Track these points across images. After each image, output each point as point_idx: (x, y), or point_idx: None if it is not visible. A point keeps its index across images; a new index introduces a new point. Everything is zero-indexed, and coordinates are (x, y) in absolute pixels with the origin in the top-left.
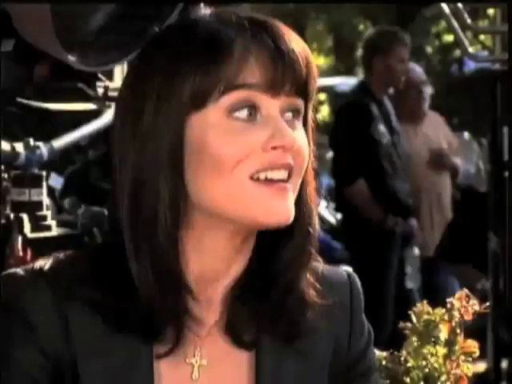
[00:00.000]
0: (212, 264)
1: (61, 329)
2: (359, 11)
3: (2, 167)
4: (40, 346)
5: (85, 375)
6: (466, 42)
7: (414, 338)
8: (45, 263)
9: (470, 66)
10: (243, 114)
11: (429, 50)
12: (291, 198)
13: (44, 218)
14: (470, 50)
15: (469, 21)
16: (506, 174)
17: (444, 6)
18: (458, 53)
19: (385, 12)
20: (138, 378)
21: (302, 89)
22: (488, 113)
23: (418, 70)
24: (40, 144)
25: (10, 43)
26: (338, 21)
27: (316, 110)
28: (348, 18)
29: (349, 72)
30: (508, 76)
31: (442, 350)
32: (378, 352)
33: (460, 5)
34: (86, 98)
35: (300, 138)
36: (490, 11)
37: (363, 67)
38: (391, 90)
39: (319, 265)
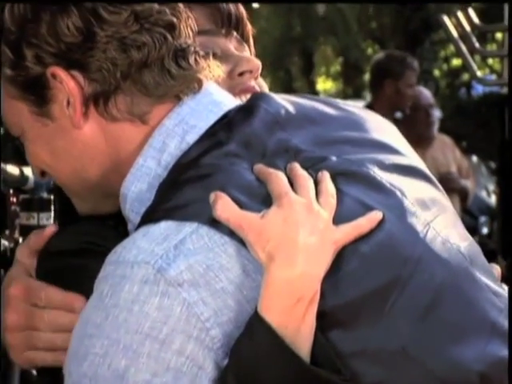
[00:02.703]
0: None
1: None
2: (367, 35)
3: (11, 191)
4: None
5: None
6: (475, 66)
7: None
8: None
9: (479, 89)
10: None
11: (437, 73)
12: None
13: None
14: (479, 73)
15: (477, 45)
16: None
17: (452, 29)
18: (466, 76)
19: (393, 36)
20: None
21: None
22: (496, 136)
23: (425, 93)
24: None
25: None
26: (346, 45)
27: None
28: (356, 41)
29: (357, 96)
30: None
31: None
32: None
33: (468, 29)
34: None
35: None
36: (498, 35)
37: (371, 90)
38: (399, 114)
39: None
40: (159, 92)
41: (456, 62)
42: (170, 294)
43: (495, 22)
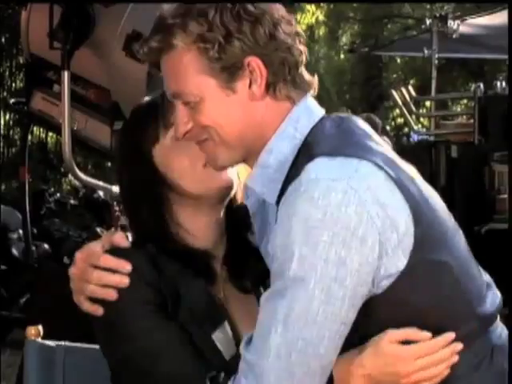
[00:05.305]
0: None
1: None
2: (343, 104)
3: (115, 203)
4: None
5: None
6: (412, 123)
7: None
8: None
9: (414, 138)
10: None
11: (388, 128)
12: None
13: None
14: (415, 127)
15: (414, 109)
16: None
17: (398, 99)
18: (406, 129)
19: (360, 104)
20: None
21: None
22: (426, 171)
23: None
24: None
25: (120, 123)
26: (326, 110)
27: None
28: (336, 108)
29: None
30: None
31: None
32: None
33: (408, 99)
34: None
35: None
36: (427, 103)
37: None
38: None
39: None
40: (301, 86)
41: (400, 120)
42: (360, 203)
43: (425, 95)
